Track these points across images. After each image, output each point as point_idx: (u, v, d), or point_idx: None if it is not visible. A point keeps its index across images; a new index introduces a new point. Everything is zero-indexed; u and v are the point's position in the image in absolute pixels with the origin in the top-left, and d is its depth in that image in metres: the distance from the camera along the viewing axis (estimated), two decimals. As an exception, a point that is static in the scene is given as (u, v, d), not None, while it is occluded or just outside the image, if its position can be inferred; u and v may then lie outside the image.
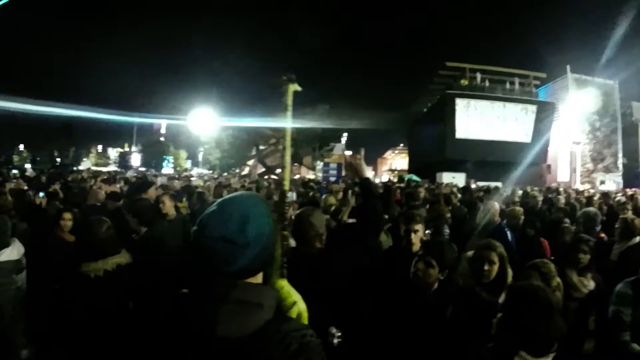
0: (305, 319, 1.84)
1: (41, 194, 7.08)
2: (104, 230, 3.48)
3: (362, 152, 3.34)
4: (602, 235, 5.74)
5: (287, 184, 2.23)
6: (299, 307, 1.87)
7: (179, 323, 1.30)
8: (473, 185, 17.24)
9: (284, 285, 1.95)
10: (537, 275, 2.91)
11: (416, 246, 3.74)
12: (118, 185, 10.33)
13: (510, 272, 3.37)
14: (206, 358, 1.23)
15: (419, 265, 3.08)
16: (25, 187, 9.01)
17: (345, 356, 2.53)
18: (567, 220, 6.84)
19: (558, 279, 3.36)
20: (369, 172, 3.33)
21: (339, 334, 2.49)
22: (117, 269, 3.41)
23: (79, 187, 10.14)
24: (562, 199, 10.28)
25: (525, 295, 2.09)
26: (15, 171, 21.13)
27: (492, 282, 3.25)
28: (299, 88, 2.33)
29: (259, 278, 1.37)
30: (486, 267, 3.25)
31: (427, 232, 4.78)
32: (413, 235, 3.77)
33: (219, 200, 1.39)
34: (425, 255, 3.11)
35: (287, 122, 2.28)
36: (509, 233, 5.32)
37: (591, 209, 6.41)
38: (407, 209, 6.07)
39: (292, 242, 3.01)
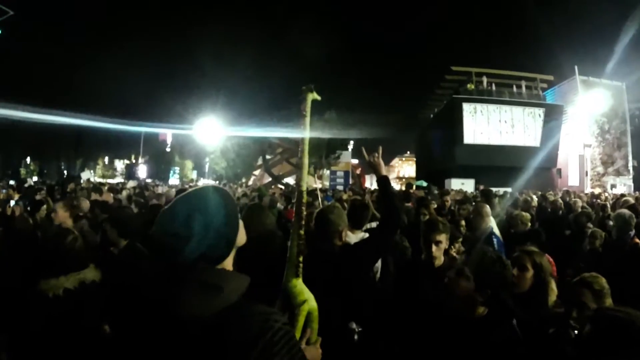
0: (315, 318, 1.93)
1: (12, 203, 6.81)
2: (68, 242, 3.09)
3: (380, 150, 3.16)
4: (637, 240, 5.15)
5: (304, 185, 2.25)
6: (310, 304, 1.94)
7: (144, 304, 1.42)
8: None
9: (297, 284, 2.01)
10: (589, 295, 2.49)
11: (439, 260, 3.43)
12: (112, 195, 10.00)
13: (554, 288, 3.04)
14: (170, 337, 1.27)
15: (455, 283, 2.64)
16: (16, 197, 8.86)
17: (368, 352, 2.60)
18: (589, 225, 6.65)
19: (610, 299, 2.74)
20: (385, 171, 3.23)
21: (360, 329, 2.56)
22: (81, 287, 3.00)
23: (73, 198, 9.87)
24: (579, 202, 9.90)
25: (625, 329, 1.70)
26: (12, 182, 20.89)
27: (526, 295, 2.95)
28: (318, 97, 2.44)
29: (226, 264, 1.42)
30: (515, 272, 2.93)
31: (458, 245, 4.43)
32: (435, 248, 3.38)
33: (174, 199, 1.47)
34: (460, 275, 2.65)
35: (306, 128, 2.34)
36: (495, 239, 4.93)
37: (625, 210, 5.71)
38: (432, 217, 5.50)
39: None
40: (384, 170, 3.11)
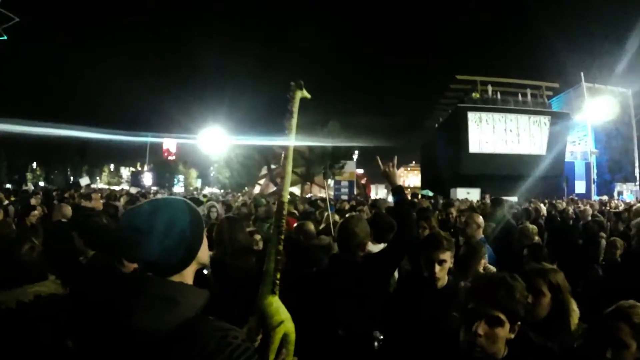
0: (292, 340, 1.84)
1: None
2: (24, 251, 2.83)
3: (395, 160, 3.21)
4: None
5: (286, 195, 2.12)
6: (287, 326, 1.84)
7: (100, 317, 1.36)
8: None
9: (273, 301, 1.89)
10: (627, 330, 1.94)
11: (442, 282, 3.08)
12: (101, 201, 9.74)
13: (575, 309, 2.64)
14: (124, 351, 1.23)
15: (480, 330, 1.86)
16: (5, 202, 8.77)
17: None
18: (602, 234, 6.48)
19: None
20: (400, 180, 3.24)
21: (381, 337, 2.54)
22: (36, 300, 2.73)
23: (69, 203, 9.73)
24: (589, 211, 9.72)
25: None
26: (9, 185, 20.86)
27: (544, 323, 2.47)
28: (307, 95, 2.28)
29: (185, 277, 1.38)
30: (530, 300, 2.37)
31: (484, 262, 3.99)
32: (438, 268, 3.00)
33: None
34: (483, 304, 1.90)
35: (292, 132, 2.20)
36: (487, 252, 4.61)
37: None
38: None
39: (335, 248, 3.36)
40: (399, 180, 3.12)
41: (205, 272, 4.73)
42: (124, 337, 1.23)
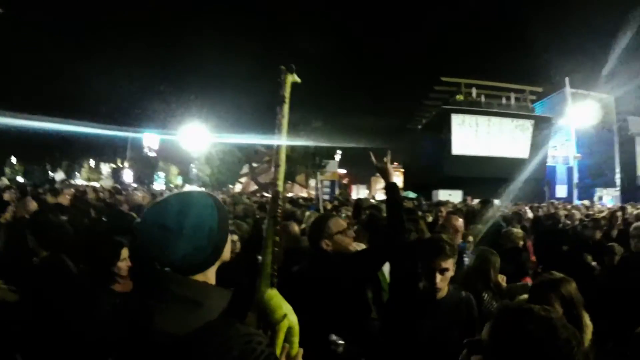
0: (296, 333, 1.74)
1: None
2: None
3: (389, 155, 3.04)
4: None
5: (281, 183, 2.04)
6: (290, 319, 1.75)
7: (120, 318, 1.33)
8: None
9: (274, 296, 1.81)
10: None
11: (443, 292, 2.78)
12: (68, 197, 9.17)
13: (588, 323, 2.36)
14: (144, 353, 1.18)
15: None
16: None
17: None
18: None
19: None
20: (394, 178, 3.06)
21: (341, 342, 2.39)
22: None
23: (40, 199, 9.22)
24: (577, 215, 9.54)
25: None
26: None
27: None
28: (298, 80, 2.21)
29: (209, 277, 1.34)
30: None
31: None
32: (439, 277, 2.70)
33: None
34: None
35: (285, 116, 2.11)
36: (466, 258, 4.31)
37: None
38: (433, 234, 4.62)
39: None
40: (392, 177, 2.98)
41: None
42: (144, 340, 1.18)
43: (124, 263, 2.89)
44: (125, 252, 2.94)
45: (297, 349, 1.75)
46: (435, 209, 9.34)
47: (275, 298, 1.80)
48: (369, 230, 4.21)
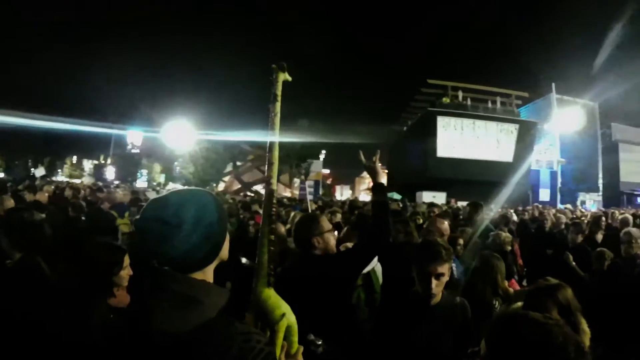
0: (295, 332, 1.72)
1: None
2: None
3: (378, 154, 3.04)
4: None
5: (275, 182, 2.02)
6: (289, 319, 1.72)
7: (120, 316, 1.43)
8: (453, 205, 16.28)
9: (271, 295, 1.79)
10: None
11: (437, 298, 2.69)
12: (47, 195, 9.00)
13: (586, 329, 2.34)
14: (144, 351, 1.18)
15: None
16: None
17: None
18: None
19: None
20: (383, 178, 3.00)
21: (319, 342, 2.35)
22: None
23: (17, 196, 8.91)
24: (563, 218, 9.45)
25: None
26: None
27: None
28: (289, 78, 2.22)
29: (207, 275, 1.34)
30: None
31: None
32: (435, 283, 2.61)
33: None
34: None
35: (277, 114, 2.10)
36: (454, 265, 4.07)
37: (633, 229, 5.26)
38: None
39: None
40: (380, 177, 2.93)
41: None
42: (143, 339, 1.18)
43: (125, 271, 2.60)
44: (127, 259, 2.63)
45: (296, 345, 1.74)
46: (428, 211, 9.22)
47: (272, 297, 1.78)
48: (358, 229, 4.16)
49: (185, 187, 1.54)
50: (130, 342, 1.22)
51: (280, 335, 1.69)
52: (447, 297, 2.78)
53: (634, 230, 5.08)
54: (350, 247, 3.36)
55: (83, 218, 6.73)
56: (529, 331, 1.25)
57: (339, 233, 4.67)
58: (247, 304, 1.82)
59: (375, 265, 3.79)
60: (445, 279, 2.67)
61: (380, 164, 3.10)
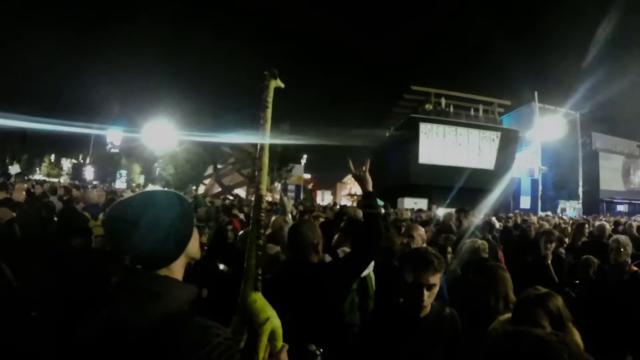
0: (280, 337, 1.72)
1: None
2: None
3: (368, 163, 2.97)
4: (635, 268, 4.67)
5: (264, 187, 2.02)
6: (273, 323, 1.72)
7: (81, 308, 1.40)
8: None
9: (257, 299, 1.79)
10: None
11: (427, 310, 2.58)
12: (24, 193, 8.55)
13: (579, 341, 2.17)
14: (103, 342, 1.19)
15: None
16: None
17: None
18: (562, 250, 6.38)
19: None
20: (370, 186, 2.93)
21: (320, 351, 2.33)
22: None
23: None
24: (546, 225, 9.39)
25: None
26: None
27: None
28: (282, 85, 2.19)
29: (174, 272, 1.37)
30: None
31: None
32: (426, 294, 2.50)
33: None
34: None
35: (267, 122, 2.08)
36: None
37: (621, 236, 5.17)
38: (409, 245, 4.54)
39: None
40: (370, 186, 2.86)
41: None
42: (104, 329, 1.20)
43: None
44: None
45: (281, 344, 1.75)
46: (415, 217, 9.17)
47: (258, 301, 1.79)
48: (349, 235, 4.13)
49: (157, 189, 1.56)
50: (91, 333, 1.22)
51: (264, 339, 1.69)
52: (436, 308, 2.68)
53: (622, 237, 5.02)
54: (345, 255, 3.32)
55: (55, 219, 6.53)
56: (534, 351, 1.10)
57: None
58: (228, 310, 1.83)
59: (371, 270, 3.77)
60: (437, 289, 2.58)
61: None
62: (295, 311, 2.37)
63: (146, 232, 1.28)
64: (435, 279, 2.53)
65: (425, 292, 2.49)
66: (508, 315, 2.56)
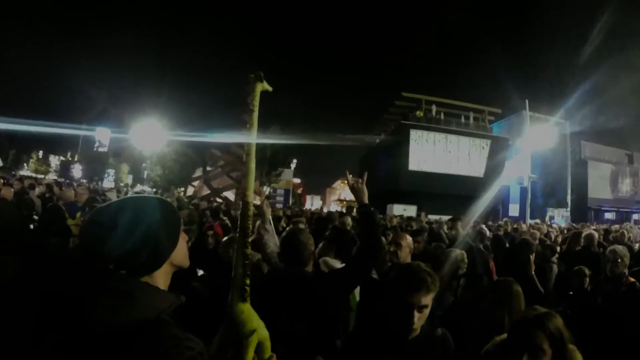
0: (267, 349, 1.61)
1: None
2: None
3: (365, 176, 2.97)
4: (632, 279, 4.54)
5: (251, 194, 1.85)
6: (260, 334, 1.61)
7: (56, 308, 1.32)
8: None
9: (245, 309, 1.65)
10: None
11: (416, 332, 2.30)
12: (12, 190, 8.46)
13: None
14: (73, 343, 1.17)
15: None
16: None
17: None
18: (554, 259, 6.27)
19: None
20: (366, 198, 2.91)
21: None
22: None
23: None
24: (537, 234, 9.37)
25: None
26: None
27: None
28: (269, 88, 2.02)
29: (157, 280, 1.34)
30: None
31: None
32: (417, 316, 2.23)
33: None
34: None
35: (253, 126, 1.92)
36: None
37: (619, 246, 4.99)
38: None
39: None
40: (366, 198, 2.86)
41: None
42: (75, 330, 1.18)
43: None
44: None
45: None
46: (405, 225, 9.12)
47: (246, 312, 1.68)
48: (335, 244, 4.02)
49: (145, 190, 1.36)
50: (62, 332, 1.20)
51: (250, 351, 1.59)
52: (426, 329, 2.38)
53: (619, 247, 4.88)
54: (344, 266, 3.17)
55: (36, 217, 6.34)
56: None
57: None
58: (213, 320, 1.75)
59: None
60: (428, 310, 2.30)
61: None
62: (291, 322, 2.40)
63: (121, 237, 1.25)
64: (428, 300, 2.26)
65: (416, 314, 2.23)
66: (504, 335, 2.31)
